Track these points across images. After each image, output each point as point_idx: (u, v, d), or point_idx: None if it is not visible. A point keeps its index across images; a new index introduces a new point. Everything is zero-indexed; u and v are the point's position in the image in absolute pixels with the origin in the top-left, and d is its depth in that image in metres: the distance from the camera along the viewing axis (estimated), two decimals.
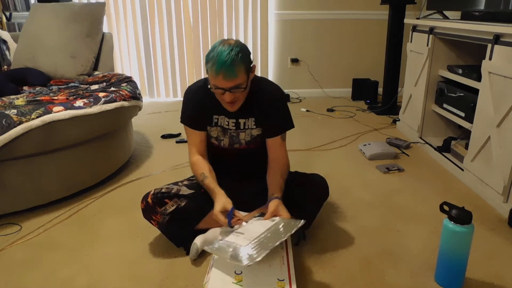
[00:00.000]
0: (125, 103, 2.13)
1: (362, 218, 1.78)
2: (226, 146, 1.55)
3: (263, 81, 1.53)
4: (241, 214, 1.43)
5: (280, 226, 1.30)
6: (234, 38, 3.82)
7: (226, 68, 1.29)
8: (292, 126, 1.54)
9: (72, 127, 1.84)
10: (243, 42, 1.39)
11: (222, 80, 1.31)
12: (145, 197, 1.49)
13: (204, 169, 1.49)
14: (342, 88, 4.11)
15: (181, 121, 1.56)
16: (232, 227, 1.36)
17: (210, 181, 1.46)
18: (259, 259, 1.16)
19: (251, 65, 1.39)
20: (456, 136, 2.52)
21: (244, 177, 1.62)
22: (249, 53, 1.38)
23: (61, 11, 2.55)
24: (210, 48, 1.35)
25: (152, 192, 1.49)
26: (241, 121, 1.51)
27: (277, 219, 1.35)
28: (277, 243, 1.23)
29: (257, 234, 1.27)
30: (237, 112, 1.47)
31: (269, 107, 1.48)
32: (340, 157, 2.52)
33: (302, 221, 1.32)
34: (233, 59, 1.29)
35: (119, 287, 1.37)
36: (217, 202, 1.39)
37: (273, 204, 1.38)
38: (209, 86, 1.38)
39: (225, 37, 3.78)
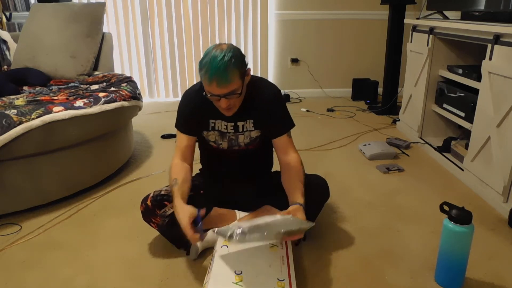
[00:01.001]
0: (125, 103, 2.13)
1: (362, 218, 1.78)
2: (225, 148, 1.55)
3: (260, 81, 1.51)
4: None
5: (289, 220, 1.25)
6: (234, 38, 3.83)
7: (219, 75, 1.25)
8: (293, 125, 1.54)
9: (72, 127, 1.84)
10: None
11: (216, 87, 1.28)
12: (145, 200, 1.49)
13: (179, 175, 1.42)
14: (342, 88, 4.11)
15: (176, 126, 1.52)
16: (203, 231, 1.31)
17: (177, 189, 1.37)
18: (248, 236, 1.14)
19: (246, 69, 1.36)
20: (456, 136, 2.52)
21: (244, 177, 1.62)
22: (243, 57, 1.34)
23: (61, 11, 2.55)
24: (203, 53, 1.32)
25: (151, 195, 1.48)
26: (240, 123, 1.49)
27: (288, 216, 1.29)
28: (275, 231, 1.18)
29: (260, 221, 1.23)
30: (235, 115, 1.45)
31: (267, 107, 1.47)
32: (340, 157, 2.52)
33: (313, 223, 1.28)
34: (226, 65, 1.25)
35: (119, 287, 1.37)
36: (182, 214, 1.28)
37: (293, 207, 1.32)
38: (204, 93, 1.36)
39: (225, 37, 3.80)
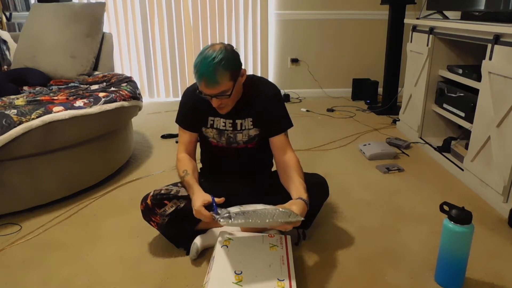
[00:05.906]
0: (125, 103, 2.13)
1: (362, 218, 1.78)
2: (224, 145, 1.56)
3: (259, 80, 1.52)
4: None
5: (277, 211, 1.25)
6: (234, 38, 3.82)
7: (208, 76, 1.28)
8: (291, 125, 1.54)
9: (72, 127, 1.84)
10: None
11: (205, 88, 1.31)
12: (145, 198, 1.49)
13: (187, 166, 1.47)
14: (342, 88, 4.11)
15: (176, 121, 1.56)
16: (218, 214, 1.29)
17: (190, 178, 1.42)
18: (232, 221, 1.19)
19: (239, 70, 1.36)
20: (456, 136, 2.52)
21: (244, 175, 1.62)
22: (236, 58, 1.34)
23: (61, 11, 2.55)
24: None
25: (151, 194, 1.49)
26: (238, 122, 1.50)
27: (278, 207, 1.28)
28: (261, 220, 1.20)
29: (250, 208, 1.25)
30: (234, 113, 1.46)
31: (266, 106, 1.48)
32: (340, 157, 2.52)
33: (302, 218, 1.28)
34: (215, 67, 1.27)
35: (119, 287, 1.37)
36: (196, 197, 1.34)
37: (292, 201, 1.32)
38: (197, 91, 1.38)
39: (225, 37, 3.80)
